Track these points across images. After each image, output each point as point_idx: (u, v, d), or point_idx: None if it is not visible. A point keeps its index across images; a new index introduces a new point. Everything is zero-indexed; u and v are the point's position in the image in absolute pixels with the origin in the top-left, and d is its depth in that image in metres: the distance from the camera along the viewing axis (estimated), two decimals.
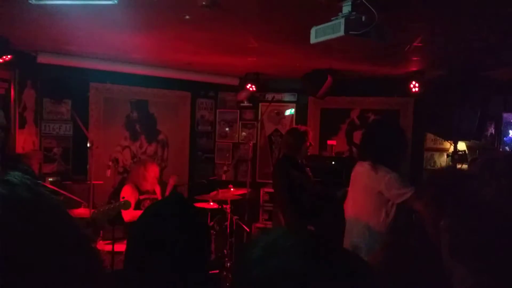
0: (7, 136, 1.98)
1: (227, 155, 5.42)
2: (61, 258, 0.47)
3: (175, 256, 1.02)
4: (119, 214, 3.47)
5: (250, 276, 0.56)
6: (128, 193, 3.73)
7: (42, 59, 3.96)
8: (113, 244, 3.18)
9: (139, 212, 3.50)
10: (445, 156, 4.88)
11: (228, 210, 4.19)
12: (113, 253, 3.16)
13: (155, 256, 1.02)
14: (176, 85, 5.08)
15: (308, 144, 3.50)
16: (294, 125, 5.15)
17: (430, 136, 4.93)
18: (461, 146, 4.56)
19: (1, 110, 1.97)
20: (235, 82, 5.10)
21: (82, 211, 3.52)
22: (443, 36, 2.98)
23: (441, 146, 4.94)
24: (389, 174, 2.43)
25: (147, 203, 3.82)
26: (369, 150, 2.58)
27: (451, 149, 4.62)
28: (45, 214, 0.49)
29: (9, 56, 3.54)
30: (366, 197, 2.51)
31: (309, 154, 3.70)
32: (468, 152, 4.49)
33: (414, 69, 4.23)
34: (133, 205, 3.57)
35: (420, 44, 3.11)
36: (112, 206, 2.37)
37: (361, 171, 2.56)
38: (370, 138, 2.65)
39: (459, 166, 4.36)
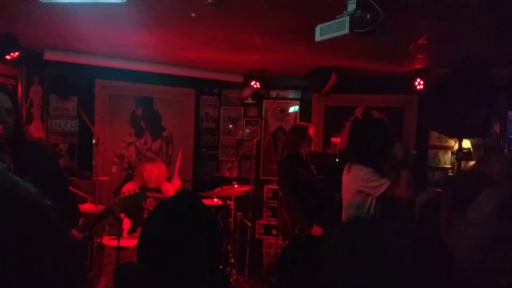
0: (17, 121, 1.99)
1: (231, 152, 5.45)
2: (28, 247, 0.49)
3: (193, 256, 1.03)
4: (137, 205, 3.47)
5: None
6: (129, 189, 3.76)
7: (49, 56, 4.00)
8: (118, 239, 3.22)
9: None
10: (450, 154, 4.88)
11: (232, 207, 4.23)
12: (118, 248, 3.20)
13: (172, 256, 1.02)
14: (181, 82, 5.11)
15: (309, 139, 3.53)
16: (298, 122, 5.17)
17: (434, 133, 4.92)
18: (466, 144, 4.55)
19: (4, 94, 1.98)
20: (239, 79, 5.11)
21: (88, 207, 3.56)
22: (448, 34, 2.98)
23: (445, 144, 4.93)
24: (363, 170, 2.53)
25: (150, 201, 3.85)
26: (350, 151, 2.67)
27: (456, 147, 4.61)
28: (14, 202, 0.50)
29: (16, 53, 3.58)
30: (350, 198, 2.61)
31: (313, 151, 3.73)
32: (473, 150, 4.48)
33: (419, 66, 4.22)
34: None
35: (425, 42, 3.11)
36: (128, 197, 2.39)
37: (344, 174, 2.67)
38: (350, 139, 2.75)
39: (463, 164, 4.36)
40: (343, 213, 2.70)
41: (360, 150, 2.61)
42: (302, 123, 4.03)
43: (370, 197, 2.54)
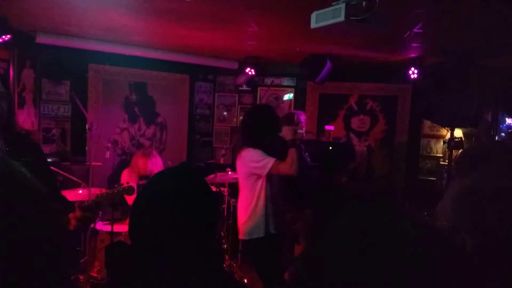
0: (10, 109, 1.97)
1: (225, 138, 5.45)
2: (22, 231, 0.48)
3: (186, 231, 1.02)
4: (122, 198, 3.51)
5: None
6: (126, 178, 3.77)
7: (42, 39, 3.94)
8: (112, 224, 3.23)
9: None
10: (442, 143, 4.93)
11: (226, 193, 4.25)
12: (112, 234, 3.22)
13: (163, 235, 1.02)
14: (175, 68, 5.07)
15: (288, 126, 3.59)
16: (292, 110, 5.18)
17: (427, 122, 4.97)
18: (458, 133, 4.60)
19: None
20: (234, 66, 5.09)
21: (81, 192, 3.56)
22: (443, 23, 2.99)
23: (438, 133, 4.98)
24: (251, 152, 2.67)
25: None
26: (240, 136, 2.85)
27: (448, 136, 4.66)
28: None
29: (8, 36, 3.52)
30: (242, 181, 2.79)
31: (306, 139, 3.77)
32: (465, 139, 4.53)
33: (414, 55, 4.23)
34: None
35: (420, 31, 3.12)
36: (115, 190, 2.41)
37: (237, 159, 2.81)
38: (241, 125, 2.93)
39: (455, 152, 4.41)
40: (239, 197, 2.86)
41: (248, 134, 2.75)
42: (289, 111, 4.14)
43: (261, 180, 2.69)
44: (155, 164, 3.94)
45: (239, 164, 2.78)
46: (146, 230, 1.03)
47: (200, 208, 1.06)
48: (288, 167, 2.60)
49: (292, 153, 2.63)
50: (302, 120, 3.63)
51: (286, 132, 2.70)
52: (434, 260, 0.49)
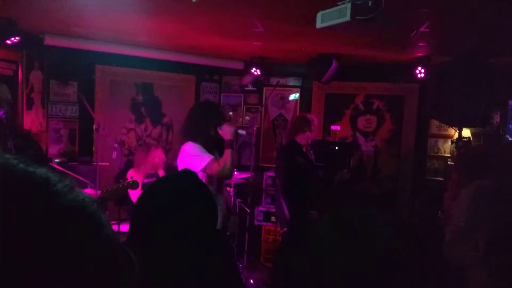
0: (14, 114, 2.02)
1: None
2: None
3: (184, 235, 1.03)
4: (127, 194, 3.53)
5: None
6: (132, 175, 3.79)
7: (49, 41, 3.98)
8: (118, 224, 3.26)
9: None
10: (450, 143, 4.88)
11: (232, 193, 4.25)
12: (118, 233, 3.24)
13: (162, 235, 1.02)
14: (181, 68, 5.09)
15: (309, 132, 3.59)
16: (298, 110, 5.18)
17: (434, 122, 4.92)
18: (466, 133, 4.56)
19: (5, 86, 2.00)
20: (240, 66, 5.09)
21: (88, 192, 3.59)
22: (450, 22, 2.96)
23: (445, 133, 4.94)
24: (190, 146, 2.64)
25: None
26: (182, 129, 2.84)
27: (456, 135, 4.62)
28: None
29: (17, 38, 3.56)
30: None
31: (312, 139, 3.78)
32: (473, 139, 4.48)
33: (420, 54, 4.20)
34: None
35: (427, 30, 3.09)
36: (120, 185, 2.43)
37: (179, 153, 2.76)
38: (185, 120, 2.86)
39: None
40: None
41: (188, 128, 2.74)
42: (304, 114, 4.10)
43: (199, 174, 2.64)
44: (157, 157, 3.97)
45: (179, 157, 2.74)
46: (150, 231, 1.04)
47: (203, 211, 1.08)
48: (220, 168, 2.55)
49: (226, 154, 2.56)
50: (316, 124, 3.66)
51: (225, 132, 2.64)
52: (402, 255, 0.52)
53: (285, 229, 3.57)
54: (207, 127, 2.70)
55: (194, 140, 2.67)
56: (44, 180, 0.40)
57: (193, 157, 2.61)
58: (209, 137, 2.69)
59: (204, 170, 2.59)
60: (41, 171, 0.41)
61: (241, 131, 2.82)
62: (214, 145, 2.72)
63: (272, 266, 2.74)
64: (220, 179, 2.73)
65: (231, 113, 5.50)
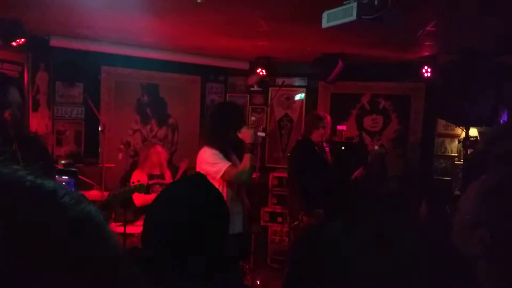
0: (22, 115, 2.02)
1: None
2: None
3: (198, 241, 1.03)
4: (131, 197, 3.54)
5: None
6: (137, 178, 3.80)
7: (55, 42, 3.99)
8: (124, 226, 3.26)
9: (149, 197, 3.59)
10: (457, 142, 4.84)
11: None
12: (124, 235, 3.24)
13: (175, 240, 1.03)
14: (186, 69, 5.09)
15: (322, 129, 3.56)
16: (304, 110, 5.16)
17: (441, 121, 4.88)
18: (473, 132, 4.51)
19: (15, 88, 2.00)
20: (245, 66, 5.08)
21: (94, 193, 3.60)
22: (457, 20, 2.93)
23: (452, 132, 4.89)
24: (206, 152, 2.55)
25: (156, 188, 3.88)
26: (201, 133, 2.71)
27: (463, 135, 4.57)
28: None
29: (22, 40, 3.58)
30: None
31: (327, 136, 3.77)
32: (480, 138, 4.44)
33: (427, 54, 4.17)
34: None
35: (433, 29, 3.06)
36: (126, 189, 2.44)
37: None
38: (203, 123, 2.75)
39: (470, 151, 4.33)
40: None
41: (206, 132, 2.64)
42: (316, 111, 4.09)
43: (217, 182, 2.53)
44: (157, 154, 3.98)
45: (197, 163, 2.67)
46: (161, 237, 1.04)
47: (214, 217, 1.08)
48: (237, 173, 2.47)
49: (246, 159, 2.48)
50: (330, 123, 3.62)
51: (245, 135, 2.54)
52: (423, 259, 0.50)
53: (295, 222, 3.54)
54: (225, 131, 2.59)
55: (211, 145, 2.57)
56: (52, 193, 0.40)
57: (210, 166, 2.53)
58: (227, 142, 2.59)
59: (222, 177, 2.52)
60: (49, 183, 0.41)
61: (260, 133, 2.73)
62: (233, 148, 2.61)
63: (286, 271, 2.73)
64: (240, 184, 2.67)
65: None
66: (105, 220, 0.43)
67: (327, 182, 3.45)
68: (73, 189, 1.52)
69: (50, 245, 0.36)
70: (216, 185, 2.56)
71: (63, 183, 1.46)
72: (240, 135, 2.56)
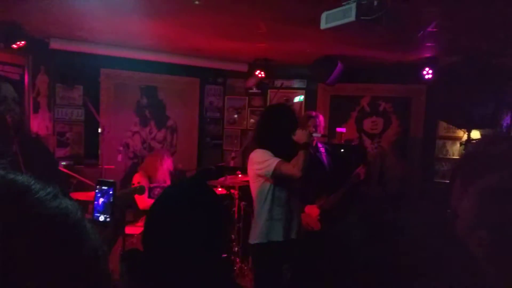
0: (22, 113, 2.01)
1: (235, 141, 5.43)
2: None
3: (196, 243, 1.04)
4: (133, 199, 3.52)
5: None
6: (138, 180, 3.78)
7: (55, 45, 4.00)
8: (124, 226, 3.24)
9: (152, 201, 3.57)
10: (458, 145, 4.81)
11: (236, 196, 4.22)
12: (124, 235, 3.22)
13: (175, 242, 1.03)
14: (185, 71, 5.09)
15: (312, 128, 3.49)
16: (303, 112, 5.13)
17: (442, 124, 4.85)
18: (475, 134, 4.49)
19: (8, 84, 1.99)
20: (244, 68, 5.08)
21: (94, 194, 3.58)
22: (458, 21, 2.91)
23: (454, 135, 4.86)
24: (257, 153, 2.54)
25: (157, 191, 3.87)
26: (253, 137, 2.71)
27: (465, 137, 4.55)
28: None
29: (22, 42, 3.58)
30: (252, 184, 2.66)
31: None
32: (480, 139, 4.42)
33: (428, 55, 4.15)
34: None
35: (434, 30, 3.04)
36: (127, 191, 2.42)
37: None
38: (255, 126, 2.75)
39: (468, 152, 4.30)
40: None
41: (259, 134, 2.61)
42: (308, 111, 4.04)
43: (269, 183, 2.53)
44: (167, 164, 3.95)
45: (248, 166, 2.65)
46: (162, 240, 1.05)
47: (215, 219, 1.08)
48: (291, 167, 2.42)
49: (300, 155, 2.44)
50: (322, 122, 3.55)
51: (300, 136, 2.50)
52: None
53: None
54: (278, 134, 2.54)
55: (264, 146, 2.53)
56: (25, 188, 0.38)
57: (260, 164, 2.49)
58: (279, 145, 2.52)
59: (274, 174, 2.45)
60: (22, 178, 0.39)
61: (316, 134, 2.69)
62: (286, 151, 2.51)
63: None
64: (292, 189, 2.59)
65: (235, 115, 5.44)
66: (83, 215, 0.41)
67: (321, 181, 3.40)
68: (111, 199, 1.50)
69: (22, 243, 0.34)
70: (267, 186, 2.52)
71: (103, 193, 1.45)
72: (295, 137, 2.51)
